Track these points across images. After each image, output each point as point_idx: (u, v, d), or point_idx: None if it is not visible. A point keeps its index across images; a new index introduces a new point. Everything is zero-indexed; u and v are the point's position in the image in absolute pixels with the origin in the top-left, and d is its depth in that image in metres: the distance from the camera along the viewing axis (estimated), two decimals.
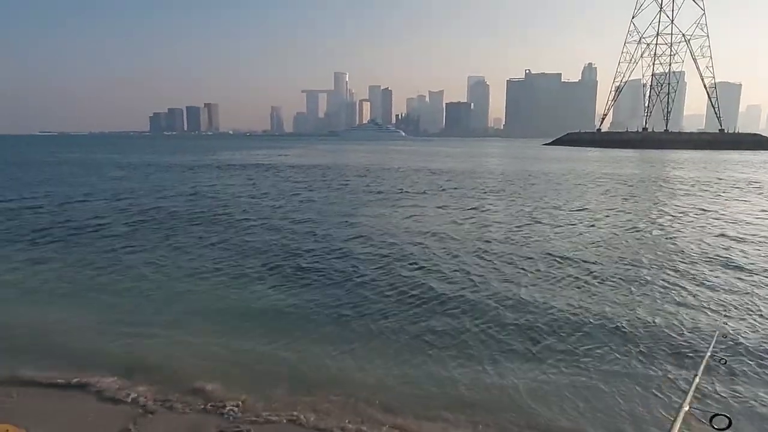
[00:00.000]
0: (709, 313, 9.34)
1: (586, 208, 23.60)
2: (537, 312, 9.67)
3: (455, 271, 12.76)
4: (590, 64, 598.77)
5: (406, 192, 30.52)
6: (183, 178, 40.36)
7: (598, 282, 11.57)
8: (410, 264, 13.40)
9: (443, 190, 32.35)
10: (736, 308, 9.65)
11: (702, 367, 3.50)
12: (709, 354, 3.82)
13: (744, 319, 9.00)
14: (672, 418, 2.50)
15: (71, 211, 21.96)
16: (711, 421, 2.56)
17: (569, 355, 7.80)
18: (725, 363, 4.02)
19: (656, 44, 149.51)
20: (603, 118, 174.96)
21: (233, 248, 15.08)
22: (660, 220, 20.91)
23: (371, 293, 10.84)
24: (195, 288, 11.28)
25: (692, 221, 20.46)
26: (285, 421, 6.08)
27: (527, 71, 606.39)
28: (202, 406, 6.35)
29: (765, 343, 7.92)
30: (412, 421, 6.10)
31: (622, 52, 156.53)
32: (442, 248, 15.26)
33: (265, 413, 6.21)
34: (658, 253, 14.61)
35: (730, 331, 8.29)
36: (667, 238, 16.98)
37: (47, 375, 7.03)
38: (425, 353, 8.03)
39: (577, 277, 11.94)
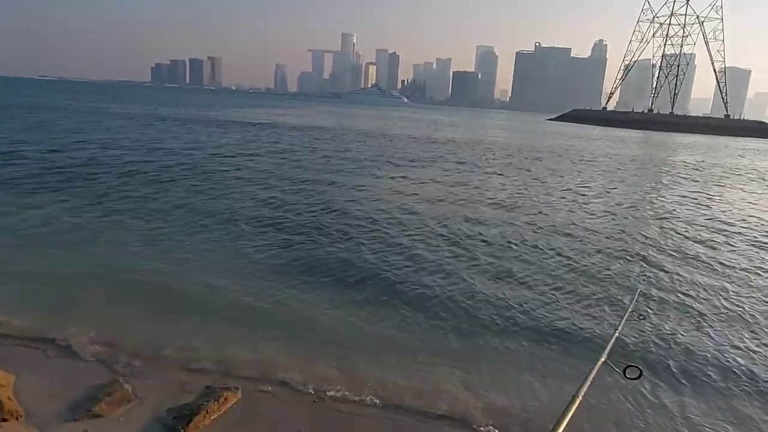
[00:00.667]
0: (633, 275, 10.45)
1: (569, 188, 23.35)
2: (486, 285, 10.22)
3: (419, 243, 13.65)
4: (601, 40, 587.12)
5: (394, 162, 30.46)
6: (180, 132, 40.17)
7: (544, 252, 12.19)
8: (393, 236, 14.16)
9: (440, 158, 32.81)
10: (660, 271, 10.81)
11: (622, 322, 3.69)
12: (630, 309, 4.06)
13: (663, 280, 10.19)
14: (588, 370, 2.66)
15: (66, 159, 21.97)
16: (624, 371, 2.72)
17: (504, 316, 8.37)
18: (643, 318, 4.52)
19: (669, 24, 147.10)
20: (610, 97, 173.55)
21: (221, 205, 15.32)
22: (634, 201, 21.55)
23: (357, 259, 11.00)
24: (183, 240, 11.49)
25: (667, 206, 20.81)
26: (276, 381, 6.12)
27: (537, 44, 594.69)
28: (189, 365, 6.34)
29: (680, 297, 9.13)
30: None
31: (634, 31, 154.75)
32: (419, 218, 15.74)
33: (252, 371, 6.29)
34: (614, 228, 15.51)
35: (651, 289, 9.40)
36: (633, 217, 17.67)
37: (37, 327, 7.06)
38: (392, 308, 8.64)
39: (534, 248, 12.53)
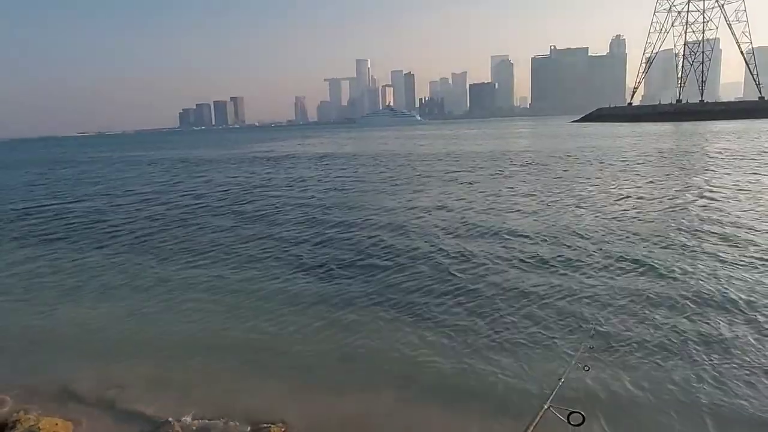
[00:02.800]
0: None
1: (588, 193, 22.33)
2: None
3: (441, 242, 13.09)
4: (618, 36, 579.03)
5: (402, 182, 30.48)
6: (206, 171, 41.48)
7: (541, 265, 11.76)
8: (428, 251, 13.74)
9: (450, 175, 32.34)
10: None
11: (567, 370, 3.81)
12: (575, 360, 4.13)
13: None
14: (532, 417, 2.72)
15: (99, 211, 23.03)
16: (568, 418, 2.77)
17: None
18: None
19: (688, 12, 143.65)
20: (634, 92, 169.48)
21: (259, 241, 15.60)
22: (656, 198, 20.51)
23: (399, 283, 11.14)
24: (239, 286, 11.41)
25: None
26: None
27: (552, 47, 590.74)
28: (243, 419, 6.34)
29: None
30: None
31: (652, 22, 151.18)
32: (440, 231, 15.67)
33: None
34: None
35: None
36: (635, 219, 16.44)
37: (97, 375, 7.40)
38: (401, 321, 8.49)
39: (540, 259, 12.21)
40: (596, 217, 16.82)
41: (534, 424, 2.57)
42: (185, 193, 27.74)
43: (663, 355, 7.47)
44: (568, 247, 13.25)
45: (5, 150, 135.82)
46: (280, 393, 6.87)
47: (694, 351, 7.54)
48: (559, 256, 12.43)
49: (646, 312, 8.94)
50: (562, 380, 3.55)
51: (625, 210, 17.81)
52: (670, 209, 17.67)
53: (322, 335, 8.57)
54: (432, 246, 13.90)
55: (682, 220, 15.68)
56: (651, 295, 9.64)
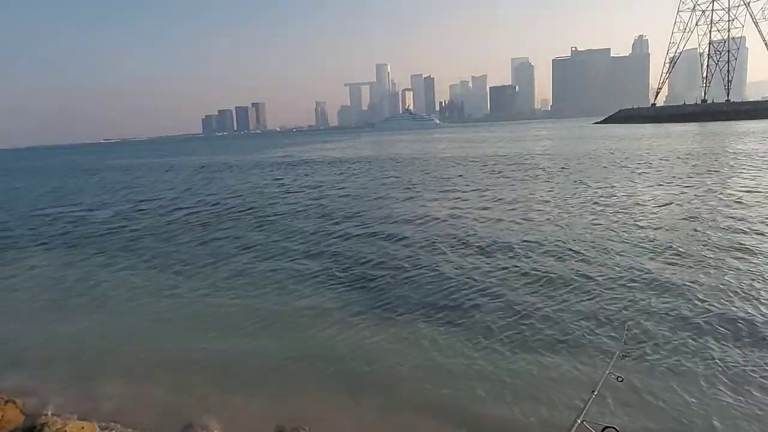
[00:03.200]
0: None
1: (611, 194, 22.30)
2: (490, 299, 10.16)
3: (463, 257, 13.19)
4: (641, 36, 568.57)
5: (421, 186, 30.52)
6: (228, 177, 42.27)
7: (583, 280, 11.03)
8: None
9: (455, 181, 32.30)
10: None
11: (600, 382, 3.75)
12: (608, 371, 4.08)
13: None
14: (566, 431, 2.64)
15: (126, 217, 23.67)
16: None
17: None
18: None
19: (712, 10, 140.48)
20: (657, 92, 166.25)
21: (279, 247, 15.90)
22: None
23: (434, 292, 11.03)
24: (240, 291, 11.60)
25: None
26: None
27: (573, 48, 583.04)
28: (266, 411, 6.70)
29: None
30: None
31: (675, 22, 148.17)
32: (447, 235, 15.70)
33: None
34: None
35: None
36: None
37: (115, 379, 7.60)
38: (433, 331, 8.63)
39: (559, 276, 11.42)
40: (628, 221, 16.40)
41: None
42: (202, 199, 28.17)
43: (703, 365, 7.11)
44: (599, 251, 12.97)
45: (36, 158, 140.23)
46: (304, 399, 6.95)
47: (734, 362, 7.12)
48: (588, 260, 12.16)
49: (682, 318, 8.54)
50: (596, 393, 3.49)
51: (657, 214, 17.32)
52: (705, 213, 17.14)
53: (341, 342, 8.61)
54: (454, 252, 13.77)
55: (718, 225, 15.09)
56: (687, 301, 9.27)
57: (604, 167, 33.43)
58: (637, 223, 16.10)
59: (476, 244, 14.42)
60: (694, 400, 6.40)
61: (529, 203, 20.92)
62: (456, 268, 12.23)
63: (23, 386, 7.41)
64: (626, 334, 7.29)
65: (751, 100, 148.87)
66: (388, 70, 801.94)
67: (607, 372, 4.09)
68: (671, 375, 6.95)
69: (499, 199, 22.62)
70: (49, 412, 6.39)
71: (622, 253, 12.70)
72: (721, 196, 20.27)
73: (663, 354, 7.50)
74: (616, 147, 52.58)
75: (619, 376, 4.10)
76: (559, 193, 23.33)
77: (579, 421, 2.76)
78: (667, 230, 14.93)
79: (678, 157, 37.28)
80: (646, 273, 11.04)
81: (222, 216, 21.76)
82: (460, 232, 16.12)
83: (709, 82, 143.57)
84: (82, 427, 5.81)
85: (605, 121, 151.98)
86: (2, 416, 5.95)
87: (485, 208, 20.03)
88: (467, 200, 22.82)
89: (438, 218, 18.63)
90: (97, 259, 15.14)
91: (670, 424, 6.01)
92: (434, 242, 14.95)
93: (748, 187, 21.83)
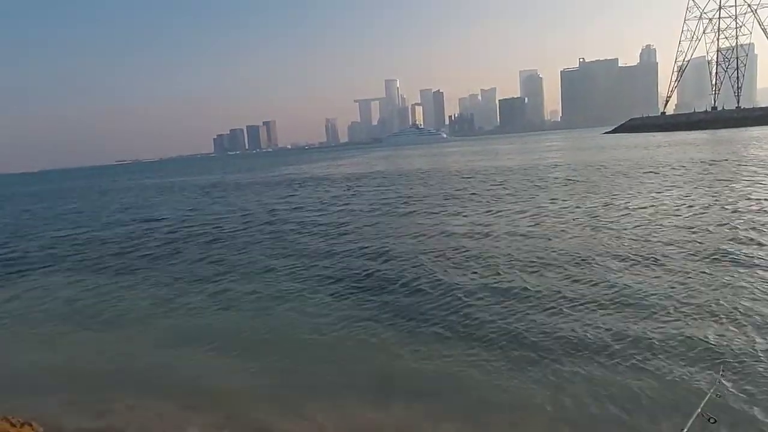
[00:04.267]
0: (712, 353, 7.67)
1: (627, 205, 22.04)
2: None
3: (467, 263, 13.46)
4: (648, 45, 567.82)
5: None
6: (236, 195, 43.00)
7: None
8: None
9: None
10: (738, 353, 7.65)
11: (690, 423, 3.49)
12: (699, 411, 3.75)
13: (749, 361, 7.35)
14: None
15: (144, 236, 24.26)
16: None
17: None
18: (715, 423, 3.92)
19: (719, 18, 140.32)
20: (667, 101, 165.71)
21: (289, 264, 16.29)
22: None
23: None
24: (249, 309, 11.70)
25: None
26: None
27: (581, 60, 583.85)
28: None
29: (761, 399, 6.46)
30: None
31: (683, 30, 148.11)
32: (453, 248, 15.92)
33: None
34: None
35: (732, 370, 7.10)
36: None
37: (128, 403, 7.57)
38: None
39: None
40: (667, 232, 15.67)
41: None
42: (209, 219, 28.32)
43: None
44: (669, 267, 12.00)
45: (53, 180, 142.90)
46: (322, 408, 7.03)
47: None
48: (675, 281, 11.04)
49: None
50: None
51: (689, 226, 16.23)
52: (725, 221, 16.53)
53: (359, 352, 8.75)
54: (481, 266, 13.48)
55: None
56: None
57: (627, 176, 33.54)
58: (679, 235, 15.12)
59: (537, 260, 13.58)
60: None
61: (553, 214, 20.98)
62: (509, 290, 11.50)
63: (38, 407, 7.42)
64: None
65: (761, 106, 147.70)
66: (398, 85, 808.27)
67: (700, 410, 3.75)
68: None
69: (518, 211, 22.35)
70: None
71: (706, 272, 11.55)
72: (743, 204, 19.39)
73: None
74: (627, 157, 52.51)
75: (711, 417, 3.71)
76: (579, 204, 23.46)
77: None
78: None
79: (697, 164, 37.24)
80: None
81: (236, 234, 22.24)
82: (487, 247, 15.74)
83: (719, 90, 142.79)
84: None
85: (615, 131, 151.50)
86: None
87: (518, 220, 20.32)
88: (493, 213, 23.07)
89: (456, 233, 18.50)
90: (112, 279, 15.37)
91: None
92: (455, 259, 14.72)
93: None
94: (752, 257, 12.23)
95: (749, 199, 20.16)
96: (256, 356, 8.93)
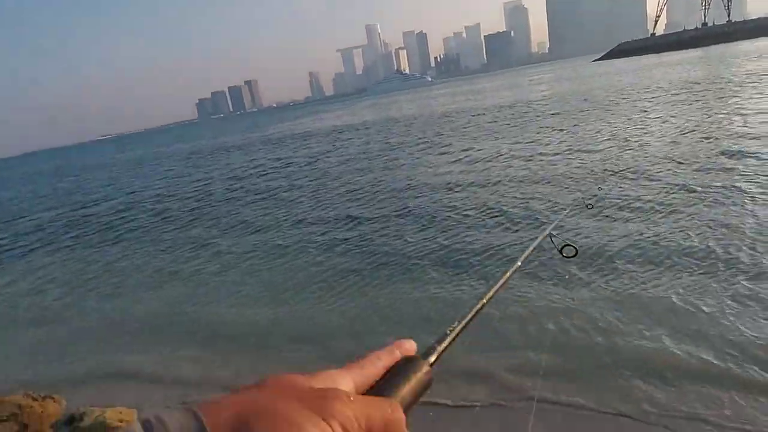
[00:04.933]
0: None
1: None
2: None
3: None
4: None
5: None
6: (225, 159, 41.87)
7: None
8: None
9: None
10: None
11: (570, 206, 4.03)
12: (582, 197, 4.22)
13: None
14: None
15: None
16: (561, 250, 2.65)
17: None
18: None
19: None
20: (656, 21, 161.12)
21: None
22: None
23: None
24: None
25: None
26: None
27: None
28: None
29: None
30: None
31: None
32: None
33: None
34: None
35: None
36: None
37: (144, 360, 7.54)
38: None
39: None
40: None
41: (531, 248, 2.40)
42: (196, 185, 27.77)
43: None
44: None
45: (42, 160, 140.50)
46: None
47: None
48: None
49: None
50: (567, 211, 3.68)
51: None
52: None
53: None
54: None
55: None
56: None
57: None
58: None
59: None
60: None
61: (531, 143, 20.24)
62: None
63: (60, 381, 7.30)
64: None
65: (752, 18, 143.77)
66: (379, 30, 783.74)
67: (581, 197, 4.69)
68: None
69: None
70: (88, 403, 6.34)
71: None
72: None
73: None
74: (610, 83, 50.93)
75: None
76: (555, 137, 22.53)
77: (546, 232, 2.63)
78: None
79: (688, 86, 35.86)
80: None
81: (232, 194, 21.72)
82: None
83: (709, 4, 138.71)
84: (120, 412, 5.91)
85: (604, 58, 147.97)
86: (42, 411, 6.20)
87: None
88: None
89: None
90: (114, 248, 14.98)
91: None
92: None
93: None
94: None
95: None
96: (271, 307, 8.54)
